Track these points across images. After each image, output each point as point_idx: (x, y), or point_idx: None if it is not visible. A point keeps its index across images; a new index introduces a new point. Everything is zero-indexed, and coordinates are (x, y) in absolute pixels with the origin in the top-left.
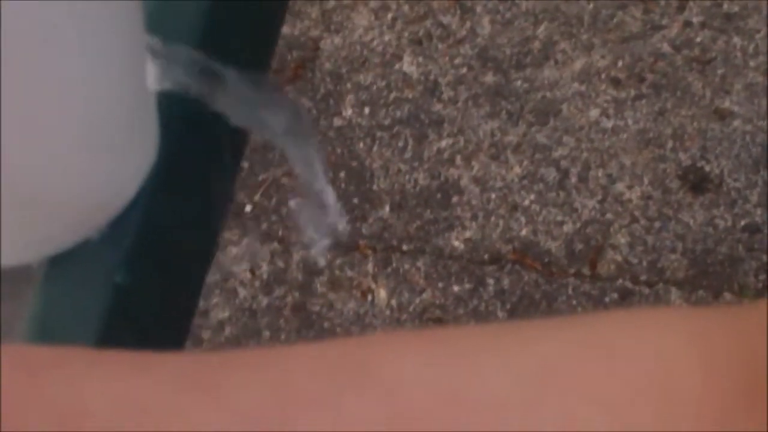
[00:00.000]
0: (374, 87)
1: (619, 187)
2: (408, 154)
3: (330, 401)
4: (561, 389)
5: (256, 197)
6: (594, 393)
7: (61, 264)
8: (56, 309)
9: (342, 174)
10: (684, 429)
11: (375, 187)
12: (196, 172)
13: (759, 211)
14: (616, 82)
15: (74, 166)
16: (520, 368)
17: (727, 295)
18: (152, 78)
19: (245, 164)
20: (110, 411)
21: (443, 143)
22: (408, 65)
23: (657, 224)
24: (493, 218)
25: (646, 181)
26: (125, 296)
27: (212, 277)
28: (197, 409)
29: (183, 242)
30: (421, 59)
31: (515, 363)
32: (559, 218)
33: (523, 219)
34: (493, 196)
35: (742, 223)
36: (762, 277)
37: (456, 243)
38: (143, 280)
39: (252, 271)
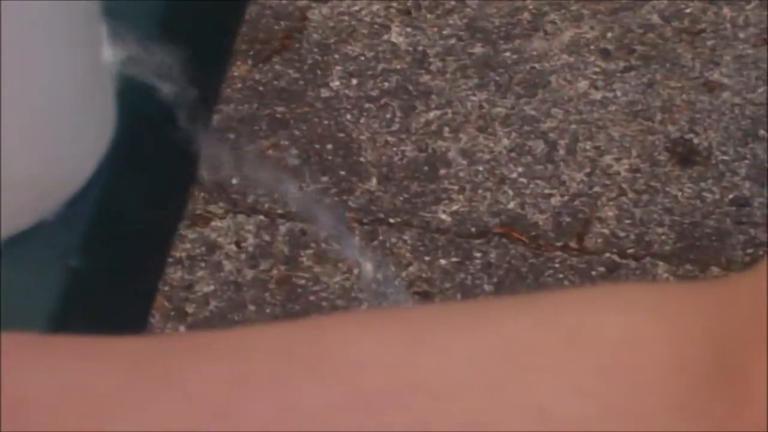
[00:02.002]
0: (362, 58)
1: (607, 159)
2: (395, 126)
3: (287, 385)
4: (524, 371)
5: (242, 169)
6: (558, 374)
7: (14, 247)
8: (9, 293)
9: (329, 146)
10: (650, 407)
11: (362, 159)
12: (155, 152)
13: (747, 185)
14: (605, 54)
15: (26, 145)
16: (482, 350)
17: (715, 269)
18: (108, 55)
19: (231, 135)
20: (57, 399)
21: (431, 115)
22: (396, 36)
23: (645, 197)
24: (480, 191)
25: (634, 153)
26: (80, 280)
27: (197, 250)
28: (149, 396)
29: (141, 224)
30: (409, 30)
31: (476, 345)
32: (547, 191)
33: (510, 192)
34: (481, 168)
35: (731, 196)
36: (749, 250)
37: (443, 216)
38: (99, 264)
39: (237, 245)
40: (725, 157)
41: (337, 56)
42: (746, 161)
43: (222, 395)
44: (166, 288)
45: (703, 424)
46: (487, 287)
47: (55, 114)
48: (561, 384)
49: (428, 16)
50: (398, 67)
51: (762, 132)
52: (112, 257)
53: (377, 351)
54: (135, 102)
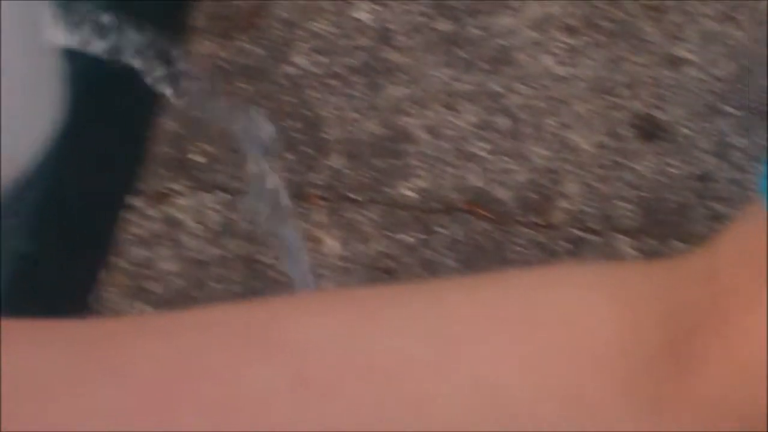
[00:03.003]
0: (327, 34)
1: (572, 135)
2: (360, 103)
3: (233, 367)
4: (472, 351)
5: (205, 146)
6: (506, 352)
7: None
8: None
9: (293, 123)
10: (596, 387)
11: (327, 135)
12: (103, 135)
13: (711, 160)
14: (570, 30)
15: None
16: (433, 329)
17: (678, 244)
18: (56, 36)
19: (195, 113)
20: (7, 385)
21: (396, 91)
22: (361, 12)
23: (609, 173)
24: (445, 167)
25: (598, 129)
26: (28, 265)
27: (159, 227)
28: (90, 380)
29: (89, 208)
30: (374, 6)
31: (427, 324)
32: (512, 167)
33: (475, 168)
34: (446, 144)
35: (694, 171)
36: (711, 225)
37: (408, 192)
38: (47, 246)
39: (200, 222)
40: (689, 133)
41: (302, 33)
42: (710, 136)
43: (165, 378)
44: (127, 266)
45: (650, 404)
46: (451, 263)
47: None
48: (508, 360)
49: None
50: (363, 43)
51: (726, 107)
52: (60, 239)
53: (325, 333)
54: (84, 83)
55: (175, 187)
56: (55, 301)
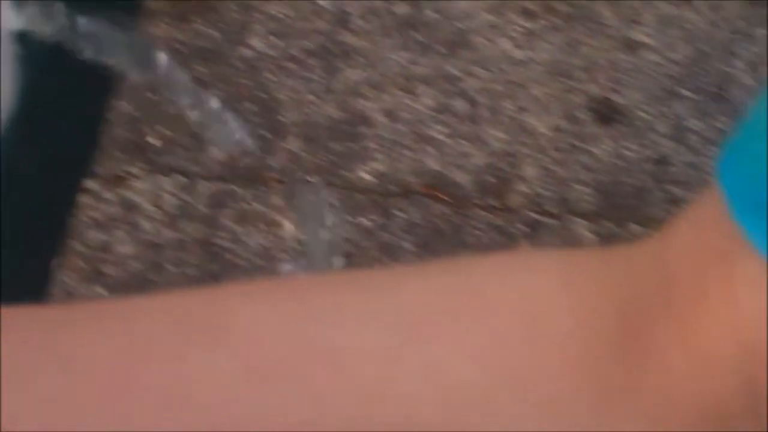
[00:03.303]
0: (284, 17)
1: (529, 118)
2: (317, 86)
3: (181, 357)
4: (424, 336)
5: (162, 129)
6: (457, 339)
7: None
8: None
9: (250, 105)
10: (547, 375)
11: (284, 118)
12: (57, 117)
13: (667, 143)
14: (527, 13)
15: None
16: (383, 318)
17: (635, 227)
18: (9, 20)
19: (149, 95)
20: None
21: (353, 74)
22: None
23: (566, 156)
24: (402, 150)
25: (555, 112)
26: None
27: (116, 211)
28: (35, 370)
29: (43, 192)
30: None
31: (378, 313)
32: (469, 150)
33: (432, 151)
34: (403, 127)
35: (651, 154)
36: (669, 208)
37: (365, 176)
38: (1, 234)
39: (157, 205)
40: (646, 116)
41: (258, 15)
42: (666, 119)
43: (117, 365)
44: (84, 249)
45: (601, 393)
46: (408, 247)
47: None
48: (460, 347)
49: None
50: (320, 26)
51: (682, 90)
52: (12, 225)
53: (274, 322)
54: (37, 67)
55: (132, 170)
56: (10, 287)
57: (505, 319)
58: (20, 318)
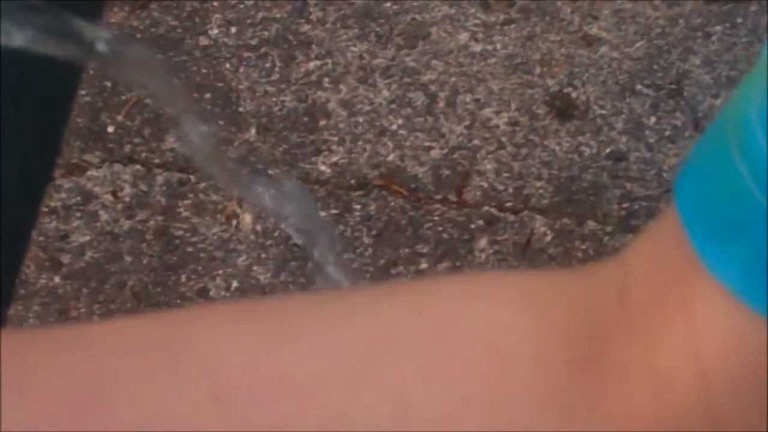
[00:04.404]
0: (241, 6)
1: (487, 112)
2: (275, 76)
3: (145, 384)
4: (389, 365)
5: (119, 117)
6: (420, 364)
7: None
8: None
9: (207, 95)
10: (509, 398)
11: (241, 109)
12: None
13: (624, 139)
14: (485, 6)
15: None
16: (346, 343)
17: (591, 223)
18: None
19: (107, 84)
20: None
21: (311, 65)
22: None
23: (523, 151)
24: (360, 143)
25: (513, 106)
26: None
27: (73, 199)
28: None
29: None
30: None
31: (341, 337)
32: (427, 144)
33: (390, 144)
34: (361, 120)
35: (607, 150)
36: (625, 205)
37: (322, 167)
38: None
39: (114, 194)
40: (603, 112)
41: (215, 4)
42: (623, 116)
43: (76, 395)
44: (41, 238)
45: (561, 416)
46: (366, 240)
47: None
48: (422, 374)
49: None
50: (278, 15)
51: (639, 86)
52: None
53: (240, 348)
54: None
55: (90, 158)
56: None
57: (469, 343)
58: None
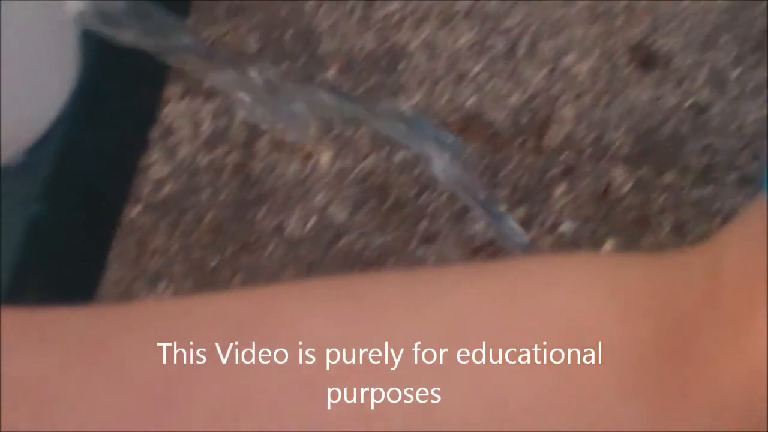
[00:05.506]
0: None
1: (568, 60)
2: (356, 17)
3: (232, 364)
4: (475, 344)
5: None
6: (510, 347)
7: None
8: None
9: (288, 33)
10: (597, 388)
11: (321, 49)
12: (116, 98)
13: (706, 91)
14: None
15: None
16: (433, 326)
17: (670, 175)
18: (71, 7)
19: (190, 20)
20: (8, 387)
21: (392, 7)
22: None
23: (604, 99)
24: (439, 86)
25: (595, 55)
26: (41, 229)
27: (153, 133)
28: (88, 385)
29: (101, 171)
30: None
31: (428, 320)
32: (507, 89)
33: (469, 88)
34: (441, 63)
35: (689, 102)
36: (704, 158)
37: (402, 109)
38: (59, 211)
39: (194, 128)
40: (685, 63)
41: None
42: (705, 67)
43: (164, 380)
44: None
45: (650, 403)
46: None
47: (17, 64)
48: (513, 364)
49: None
50: None
51: (722, 38)
52: (71, 204)
53: (327, 329)
54: (97, 51)
55: (170, 92)
56: (66, 266)
57: (554, 330)
58: (68, 323)
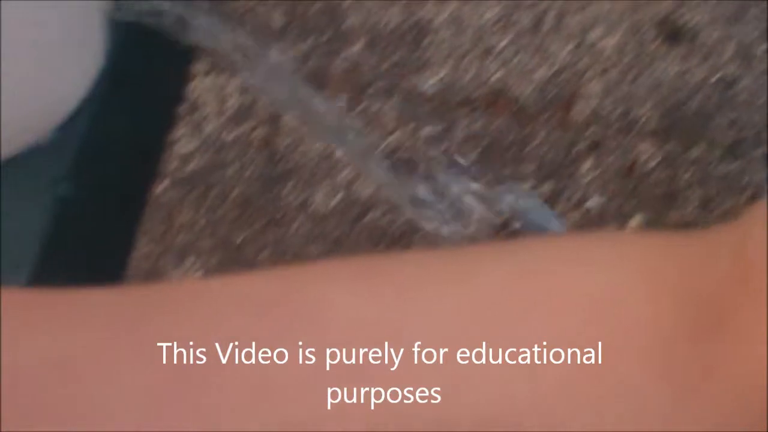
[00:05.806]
0: None
1: (595, 34)
2: None
3: (264, 344)
4: (509, 326)
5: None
6: (541, 330)
7: (7, 175)
8: (3, 220)
9: (314, 8)
10: (627, 366)
11: (346, 24)
12: (143, 78)
13: (733, 66)
14: None
15: (19, 68)
16: (465, 304)
17: (697, 149)
18: None
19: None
20: (37, 370)
21: None
22: None
23: (630, 74)
24: (465, 61)
25: (621, 29)
26: (69, 206)
27: (180, 108)
28: (123, 362)
29: (129, 149)
30: None
31: (460, 298)
32: (533, 64)
33: (496, 63)
34: (467, 38)
35: (716, 76)
36: (731, 132)
37: (427, 84)
38: (88, 190)
39: (220, 104)
40: (712, 37)
41: None
42: (732, 42)
43: (192, 357)
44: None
45: (678, 381)
46: (471, 156)
47: (47, 43)
48: (544, 340)
49: None
50: None
51: (750, 12)
52: (100, 182)
53: (361, 308)
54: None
55: (197, 67)
56: (94, 243)
57: (584, 307)
58: (97, 303)
